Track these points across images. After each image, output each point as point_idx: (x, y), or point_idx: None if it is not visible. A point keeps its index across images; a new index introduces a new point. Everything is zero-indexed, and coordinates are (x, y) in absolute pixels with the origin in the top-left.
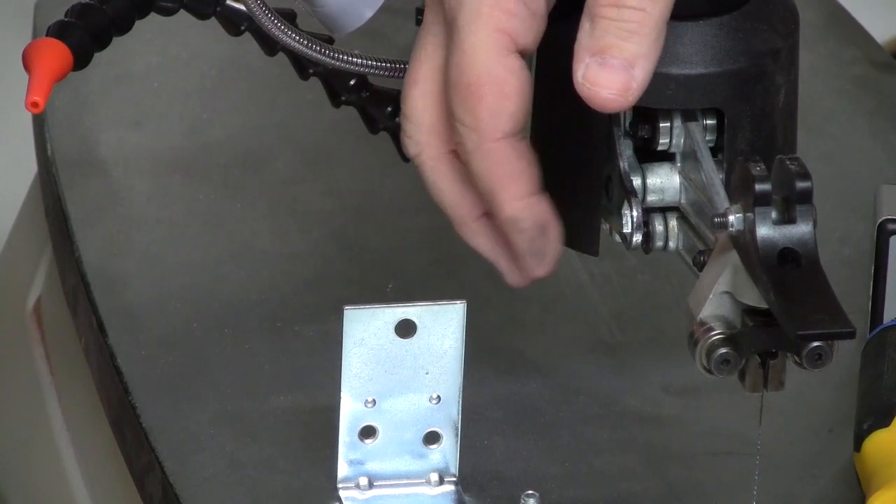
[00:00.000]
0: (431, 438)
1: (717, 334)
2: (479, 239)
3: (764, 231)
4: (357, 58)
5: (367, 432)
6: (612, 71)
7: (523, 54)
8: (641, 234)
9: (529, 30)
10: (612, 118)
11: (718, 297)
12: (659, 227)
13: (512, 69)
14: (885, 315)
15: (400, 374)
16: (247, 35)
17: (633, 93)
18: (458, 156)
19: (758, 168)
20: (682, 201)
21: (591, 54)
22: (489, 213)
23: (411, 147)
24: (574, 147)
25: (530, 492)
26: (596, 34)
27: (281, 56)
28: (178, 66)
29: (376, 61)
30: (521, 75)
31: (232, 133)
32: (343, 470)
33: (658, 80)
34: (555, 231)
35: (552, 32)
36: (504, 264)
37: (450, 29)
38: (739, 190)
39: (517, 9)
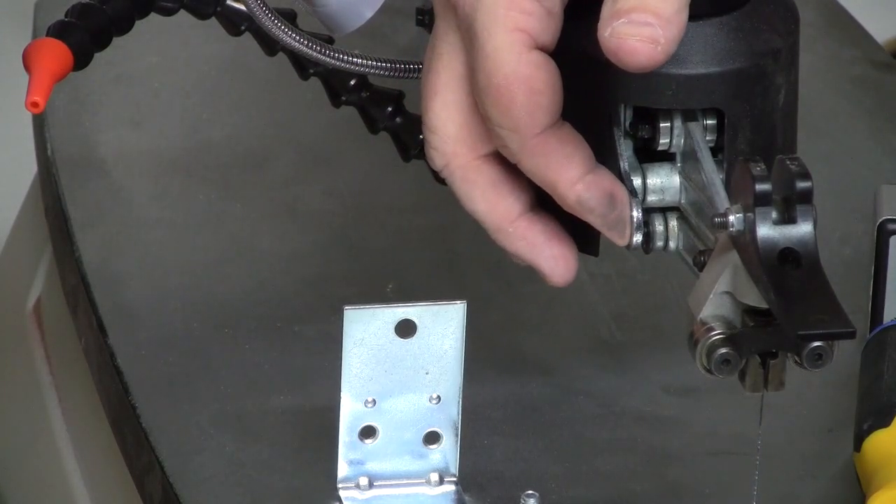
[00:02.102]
0: (431, 438)
1: (717, 334)
2: (517, 243)
3: (764, 231)
4: (357, 58)
5: (367, 432)
6: (639, 26)
7: (543, 51)
8: (641, 234)
9: (547, 28)
10: (612, 118)
11: (718, 297)
12: (659, 227)
13: (537, 64)
14: (885, 315)
15: (400, 374)
16: (247, 35)
17: (662, 48)
18: (487, 162)
19: (758, 168)
20: (683, 201)
21: (618, 18)
22: (523, 215)
23: (438, 159)
24: None
25: (530, 492)
26: (620, 2)
27: (281, 56)
28: (178, 66)
29: (376, 61)
30: (548, 68)
31: (232, 133)
32: (343, 470)
33: (658, 80)
34: (623, 197)
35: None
36: (544, 264)
37: (468, 36)
38: (739, 190)
39: (533, 7)
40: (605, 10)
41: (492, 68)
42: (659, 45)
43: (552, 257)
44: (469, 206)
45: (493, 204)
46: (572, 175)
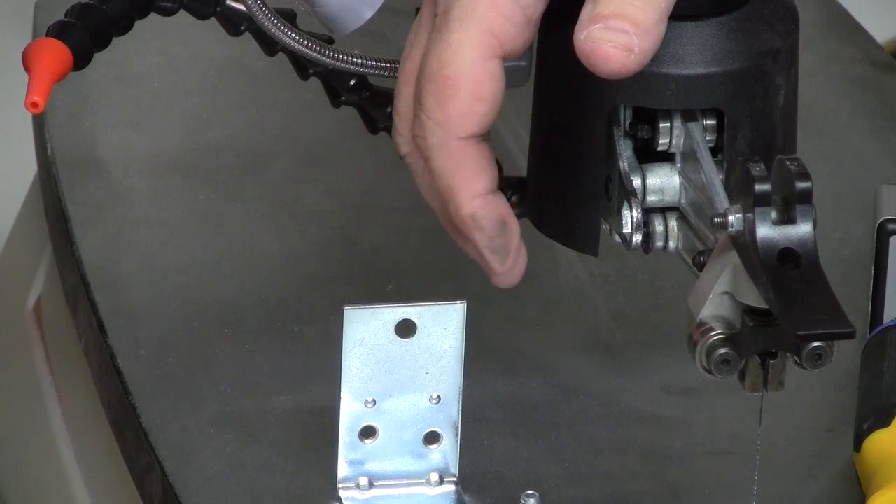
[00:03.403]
0: (431, 438)
1: (716, 335)
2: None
3: (764, 231)
4: (357, 58)
5: (367, 432)
6: (615, 32)
7: (506, 59)
8: (641, 234)
9: (520, 35)
10: (612, 118)
11: (718, 297)
12: (659, 227)
13: (492, 74)
14: (885, 315)
15: (400, 374)
16: (247, 35)
17: (636, 57)
18: None
19: (758, 168)
20: (682, 201)
21: (595, 23)
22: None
23: (403, 145)
24: (574, 147)
25: (530, 492)
26: (600, 6)
27: (281, 56)
28: (178, 66)
29: (376, 61)
30: (499, 81)
31: (232, 133)
32: (343, 470)
33: (658, 81)
34: (514, 227)
35: (554, 33)
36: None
37: (440, 20)
38: (739, 190)
39: (512, 13)
40: (584, 14)
41: (448, 58)
42: (633, 55)
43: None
44: (427, 196)
45: None
46: (475, 189)
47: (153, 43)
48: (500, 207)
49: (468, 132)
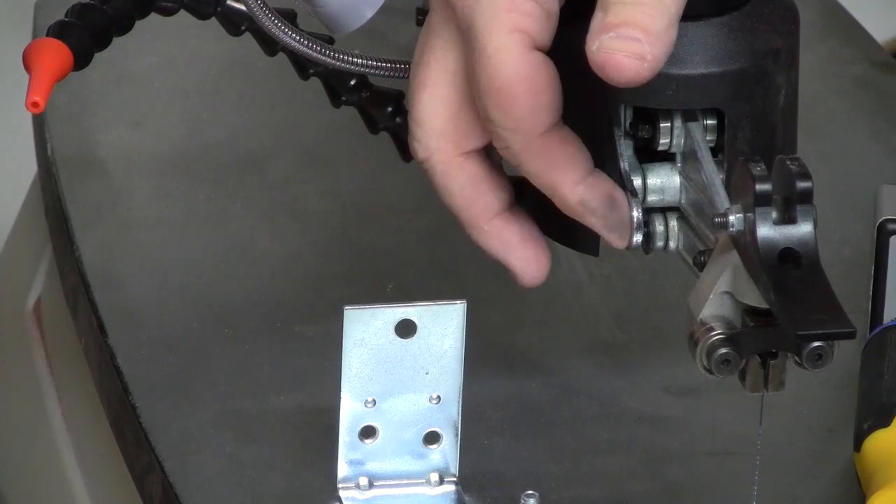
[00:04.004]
0: (431, 438)
1: (717, 334)
2: (491, 241)
3: (764, 231)
4: (357, 58)
5: (367, 432)
6: (627, 41)
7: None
8: (642, 234)
9: (545, 29)
10: (612, 119)
11: (719, 297)
12: (659, 227)
13: (537, 64)
14: (885, 315)
15: (400, 374)
16: (247, 35)
17: (649, 65)
18: (469, 159)
19: (758, 168)
20: (683, 201)
21: (606, 32)
22: (500, 215)
23: (420, 151)
24: None
25: (530, 492)
26: (610, 15)
27: (281, 56)
28: (178, 66)
29: (376, 61)
30: (547, 68)
31: (232, 133)
32: (343, 470)
33: (658, 80)
34: (622, 199)
35: (556, 34)
36: (516, 264)
37: (466, 36)
38: (740, 190)
39: (532, 9)
40: (595, 23)
41: (493, 71)
42: (646, 62)
43: (524, 259)
44: (446, 201)
45: (470, 201)
46: (574, 176)
47: (153, 43)
48: (604, 186)
49: (544, 126)
